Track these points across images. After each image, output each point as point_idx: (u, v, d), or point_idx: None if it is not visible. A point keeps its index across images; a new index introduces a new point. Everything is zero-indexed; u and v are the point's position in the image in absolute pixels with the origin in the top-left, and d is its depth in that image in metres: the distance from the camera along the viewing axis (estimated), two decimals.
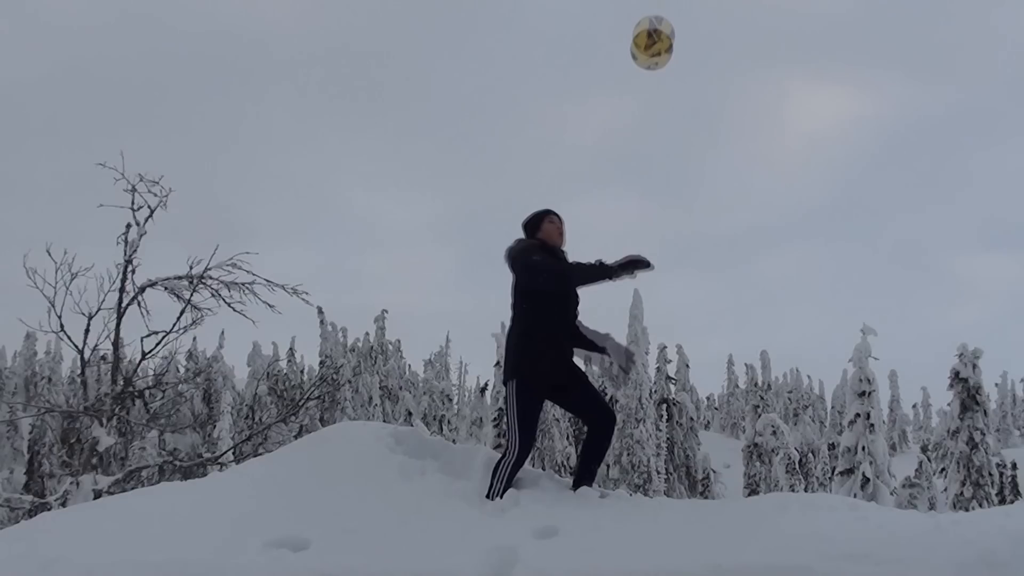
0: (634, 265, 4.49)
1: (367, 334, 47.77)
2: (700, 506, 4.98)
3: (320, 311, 43.49)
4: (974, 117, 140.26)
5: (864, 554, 3.41)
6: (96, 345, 10.93)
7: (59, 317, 10.50)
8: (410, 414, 39.24)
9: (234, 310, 10.83)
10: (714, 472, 41.51)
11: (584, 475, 4.85)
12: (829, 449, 45.01)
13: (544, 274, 4.68)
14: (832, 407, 57.50)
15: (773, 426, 38.17)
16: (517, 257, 4.76)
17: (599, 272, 4.53)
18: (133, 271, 10.81)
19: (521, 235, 4.96)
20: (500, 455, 4.78)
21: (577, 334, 4.90)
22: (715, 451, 45.43)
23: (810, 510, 4.11)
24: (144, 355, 11.02)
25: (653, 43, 4.90)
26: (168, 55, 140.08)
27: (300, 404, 14.35)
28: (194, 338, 46.39)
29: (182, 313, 10.88)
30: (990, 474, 23.15)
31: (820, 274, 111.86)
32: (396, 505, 4.37)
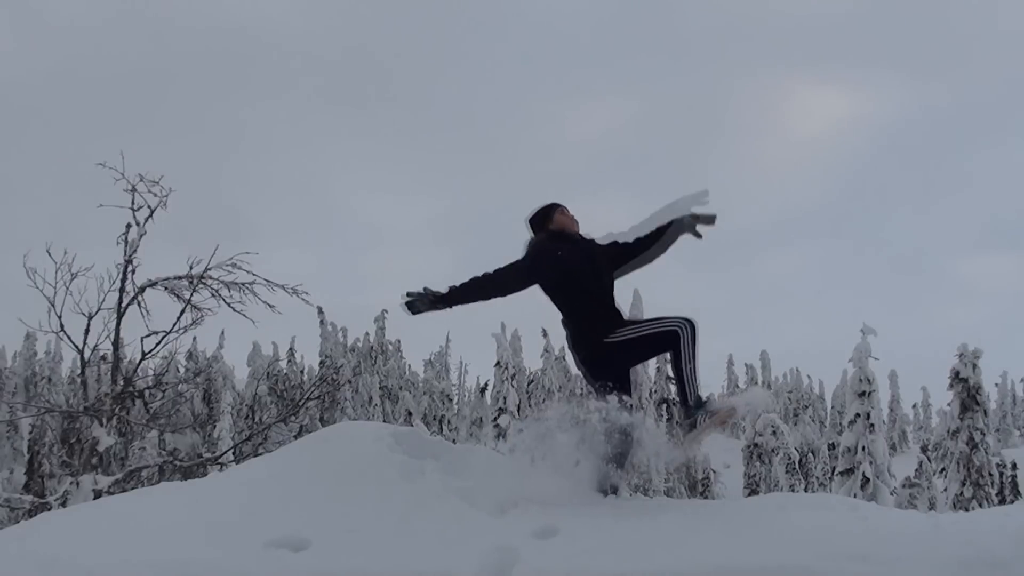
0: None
1: (367, 334, 47.81)
2: (700, 506, 4.98)
3: (320, 311, 43.51)
4: (974, 117, 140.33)
5: (864, 554, 3.42)
6: (96, 345, 10.95)
7: (59, 317, 10.52)
8: (410, 414, 39.23)
9: (234, 310, 10.85)
10: (714, 472, 41.52)
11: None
12: (829, 449, 45.04)
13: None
14: (832, 407, 57.49)
15: (773, 426, 38.18)
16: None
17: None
18: (133, 271, 10.83)
19: (528, 233, 4.85)
20: (673, 351, 4.40)
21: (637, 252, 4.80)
22: (715, 451, 45.44)
23: (810, 510, 4.12)
24: (144, 355, 11.03)
25: None
26: (169, 55, 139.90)
27: (300, 404, 14.38)
28: (194, 338, 46.31)
29: (182, 313, 10.90)
30: (990, 474, 23.15)
31: (820, 274, 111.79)
32: (396, 505, 4.37)
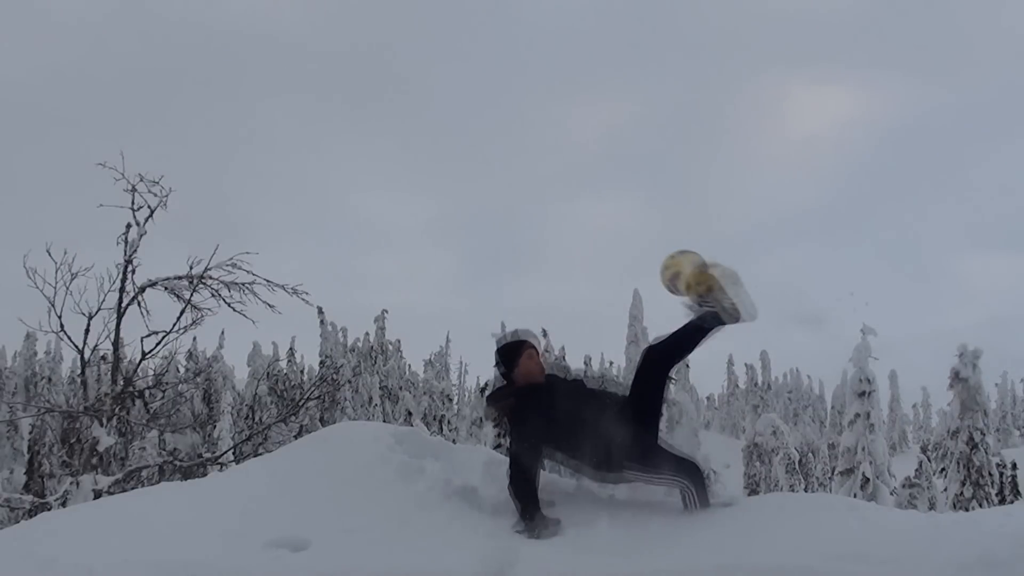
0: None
1: (367, 334, 47.76)
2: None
3: (320, 311, 43.46)
4: (974, 117, 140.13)
5: (864, 554, 3.42)
6: (96, 345, 10.94)
7: (59, 317, 10.50)
8: (410, 414, 39.21)
9: (234, 310, 10.83)
10: (714, 472, 41.44)
11: None
12: (829, 449, 45.06)
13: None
14: (832, 407, 57.53)
15: (773, 426, 38.19)
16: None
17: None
18: (133, 271, 10.82)
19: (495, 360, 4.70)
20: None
21: None
22: (715, 451, 45.39)
23: (810, 510, 4.12)
24: (144, 355, 11.02)
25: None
26: (169, 54, 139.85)
27: (300, 404, 14.36)
28: (194, 338, 46.24)
29: (182, 313, 10.89)
30: (990, 474, 23.14)
31: (820, 274, 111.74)
32: (396, 505, 4.37)
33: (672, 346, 4.62)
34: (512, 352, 4.64)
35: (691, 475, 4.40)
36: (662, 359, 4.62)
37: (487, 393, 4.61)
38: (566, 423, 4.43)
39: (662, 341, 4.67)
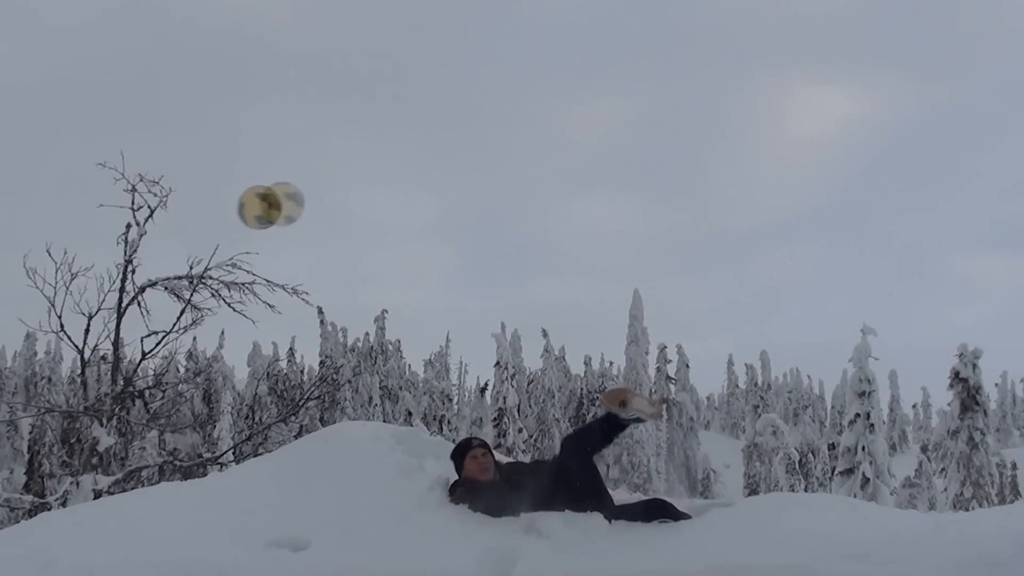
0: None
1: (367, 334, 47.77)
2: (699, 506, 4.98)
3: (320, 311, 43.47)
4: (975, 117, 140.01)
5: (864, 554, 3.42)
6: (96, 345, 10.93)
7: (59, 317, 10.50)
8: (410, 414, 39.20)
9: (234, 310, 10.82)
10: (714, 472, 41.57)
11: None
12: (829, 449, 45.03)
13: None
14: (832, 407, 57.46)
15: (773, 426, 38.21)
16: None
17: None
18: (133, 271, 10.82)
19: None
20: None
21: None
22: (715, 451, 45.50)
23: (810, 510, 4.12)
24: (144, 355, 11.02)
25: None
26: (168, 53, 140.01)
27: (300, 404, 14.34)
28: (194, 338, 46.28)
29: (182, 313, 10.89)
30: (990, 474, 23.17)
31: (821, 274, 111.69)
32: (396, 505, 4.38)
33: (585, 444, 4.65)
34: (457, 454, 4.75)
35: (661, 510, 4.34)
36: (579, 452, 4.61)
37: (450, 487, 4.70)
38: (526, 497, 4.40)
39: (575, 434, 4.82)
